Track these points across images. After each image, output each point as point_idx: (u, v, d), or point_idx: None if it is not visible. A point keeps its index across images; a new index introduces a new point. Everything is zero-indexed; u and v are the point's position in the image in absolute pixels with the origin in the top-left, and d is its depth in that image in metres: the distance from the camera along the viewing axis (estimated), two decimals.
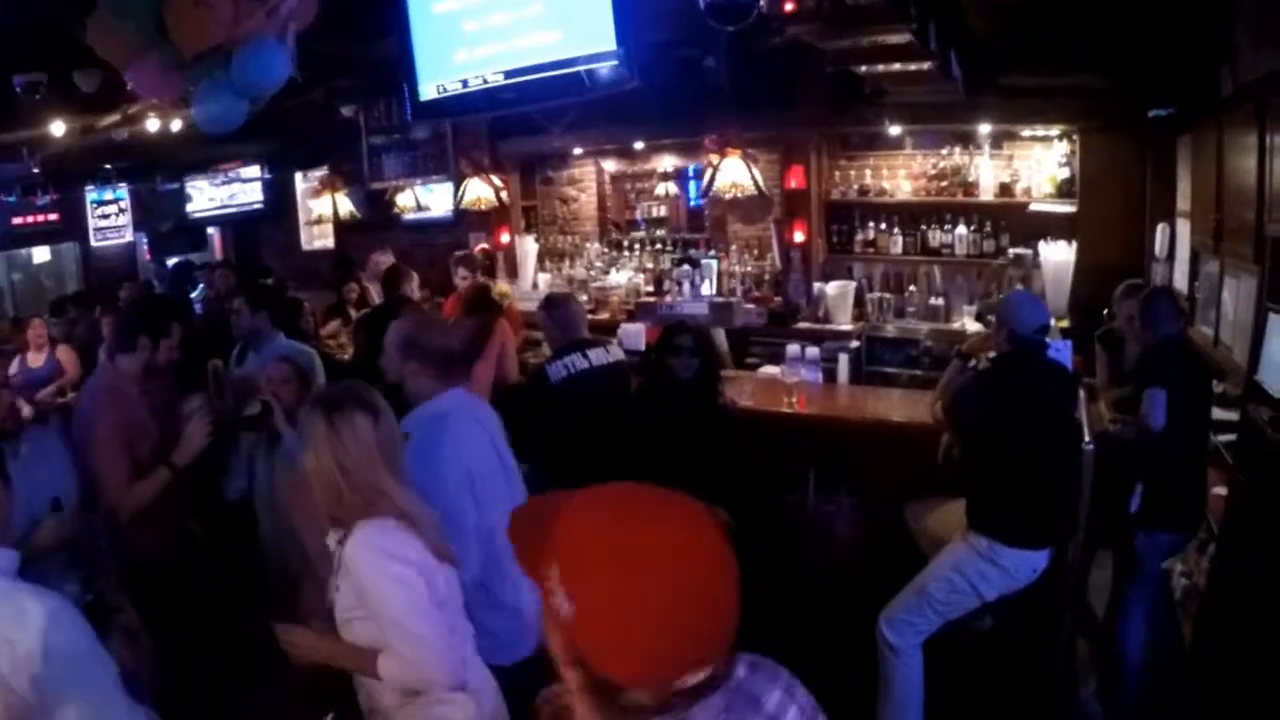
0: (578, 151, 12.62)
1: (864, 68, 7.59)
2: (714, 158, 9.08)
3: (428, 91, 6.36)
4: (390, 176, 11.65)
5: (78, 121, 9.05)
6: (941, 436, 5.89)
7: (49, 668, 2.41)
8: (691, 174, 12.29)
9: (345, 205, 11.89)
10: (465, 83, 6.17)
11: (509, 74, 5.96)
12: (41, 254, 16.02)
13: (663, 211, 12.56)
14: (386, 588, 3.12)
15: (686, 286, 10.11)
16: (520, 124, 11.25)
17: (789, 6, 5.59)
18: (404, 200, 12.73)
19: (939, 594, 5.23)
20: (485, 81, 6.08)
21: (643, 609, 1.47)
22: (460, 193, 10.77)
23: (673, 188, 12.50)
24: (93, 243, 15.78)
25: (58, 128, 8.90)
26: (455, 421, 4.13)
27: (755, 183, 9.05)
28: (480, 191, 10.75)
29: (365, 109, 11.34)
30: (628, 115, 10.48)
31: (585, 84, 5.75)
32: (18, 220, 14.44)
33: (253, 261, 15.48)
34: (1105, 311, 7.77)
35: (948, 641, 5.34)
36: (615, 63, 5.55)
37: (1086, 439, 5.57)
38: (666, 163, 12.34)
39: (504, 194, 10.90)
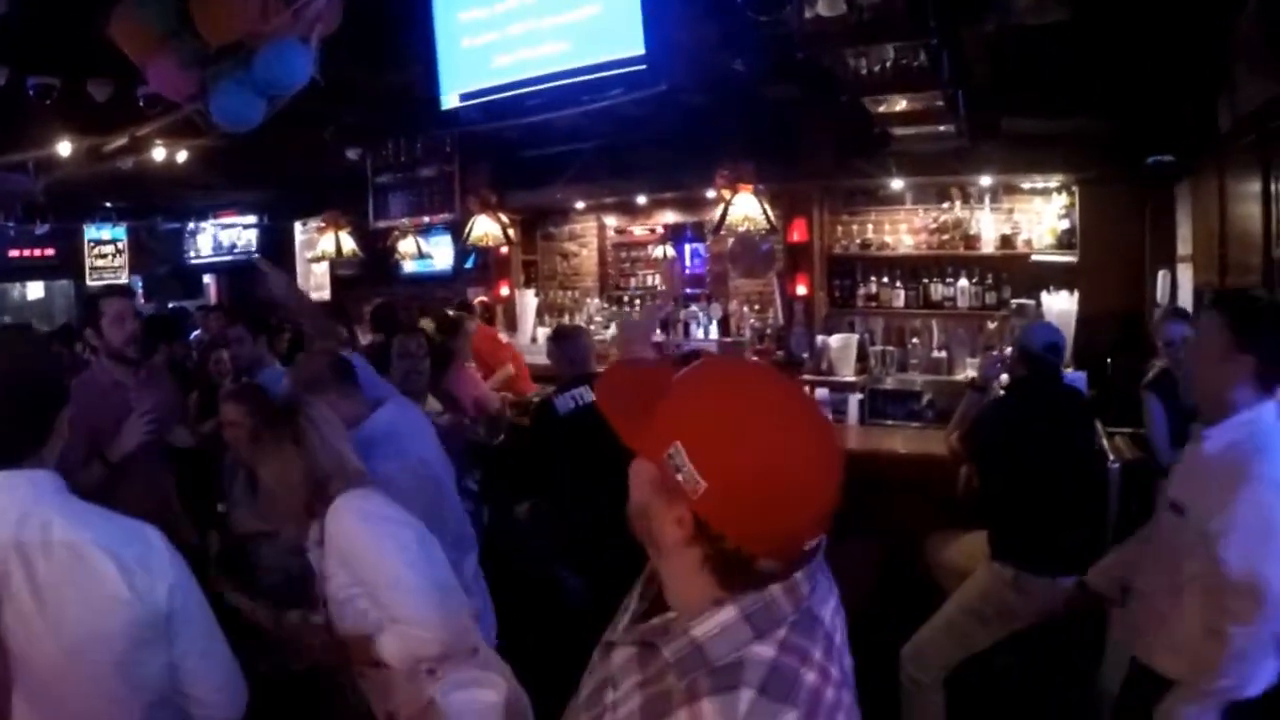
0: (579, 206, 12.66)
1: (875, 101, 7.52)
2: (726, 193, 9.04)
3: (450, 100, 6.35)
4: (395, 215, 11.63)
5: (85, 140, 8.99)
6: (960, 468, 5.81)
7: (178, 580, 2.42)
8: (689, 235, 12.33)
9: (348, 243, 11.84)
10: (489, 90, 6.16)
11: (533, 80, 5.95)
12: (35, 290, 15.91)
13: (658, 282, 12.56)
14: (372, 546, 3.09)
15: (695, 328, 10.11)
16: (523, 176, 11.27)
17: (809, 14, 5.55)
18: (406, 247, 12.67)
19: (964, 626, 5.15)
20: (509, 89, 6.06)
21: (778, 479, 1.53)
22: (468, 229, 10.73)
23: (670, 250, 12.51)
24: (88, 282, 15.47)
25: (65, 147, 8.86)
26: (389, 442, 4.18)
27: (766, 216, 9.02)
28: (488, 228, 10.71)
29: (371, 148, 11.31)
30: (631, 168, 10.56)
31: (610, 88, 5.71)
32: (14, 253, 14.39)
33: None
34: (1109, 360, 7.73)
35: (969, 677, 5.23)
36: (642, 67, 5.49)
37: (1111, 459, 5.51)
38: (668, 217, 12.36)
39: (511, 231, 10.82)
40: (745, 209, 8.96)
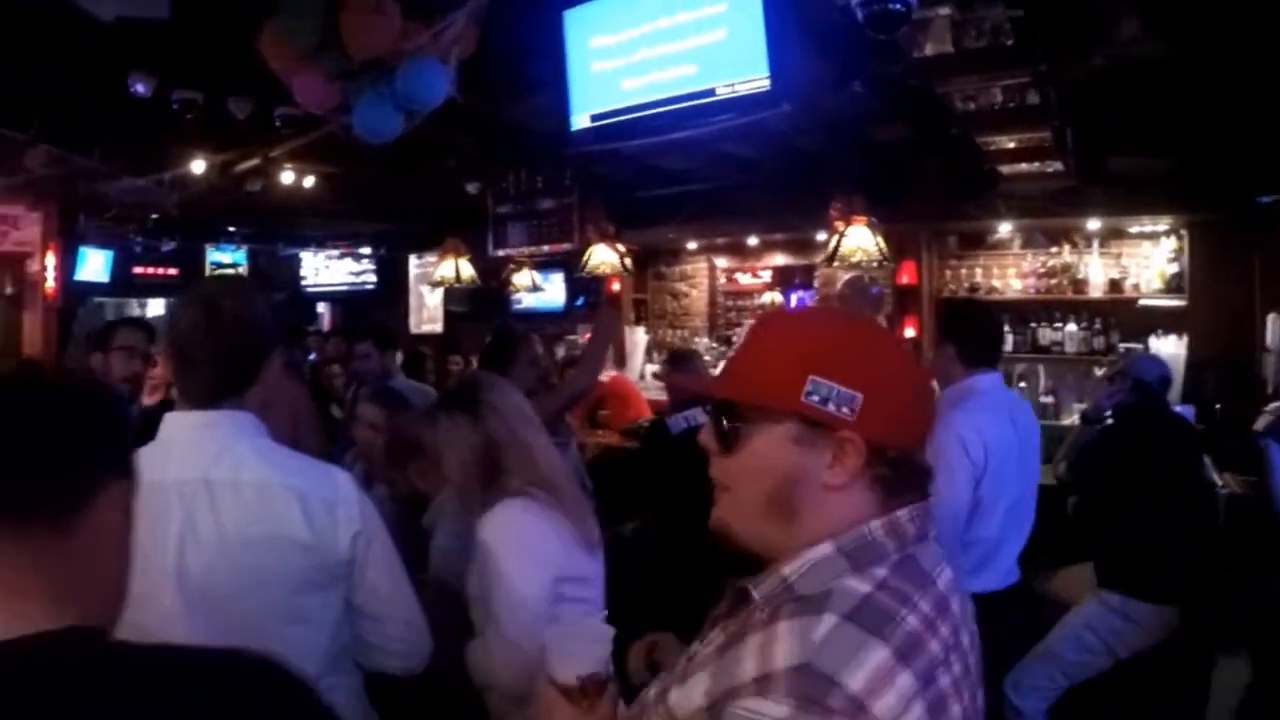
0: (691, 247, 12.81)
1: (984, 137, 7.54)
2: (839, 224, 9.08)
3: (580, 121, 6.50)
4: (514, 244, 11.78)
5: (219, 158, 9.26)
6: (1069, 498, 5.81)
7: (365, 528, 2.54)
8: (797, 284, 12.38)
9: (467, 270, 12.03)
10: (617, 112, 6.30)
11: (661, 102, 6.09)
12: (155, 308, 16.23)
13: None
14: (501, 573, 3.04)
15: None
16: (637, 215, 11.37)
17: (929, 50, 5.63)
18: (521, 279, 12.82)
19: (1070, 655, 5.14)
20: (637, 110, 6.20)
21: (905, 371, 1.63)
22: (585, 258, 10.87)
23: (778, 297, 12.56)
24: None
25: (199, 165, 9.12)
26: None
27: (880, 249, 9.04)
28: (606, 256, 10.79)
29: (491, 180, 11.49)
30: (741, 210, 10.69)
31: (734, 110, 5.83)
32: (138, 270, 14.63)
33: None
34: (1217, 405, 7.65)
35: (1073, 709, 5.21)
36: (766, 87, 5.60)
37: (1220, 484, 5.48)
38: (778, 259, 12.44)
39: (628, 261, 10.92)
40: (858, 241, 8.99)
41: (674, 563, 5.88)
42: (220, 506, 2.36)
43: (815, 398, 1.53)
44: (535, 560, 3.09)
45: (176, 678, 1.25)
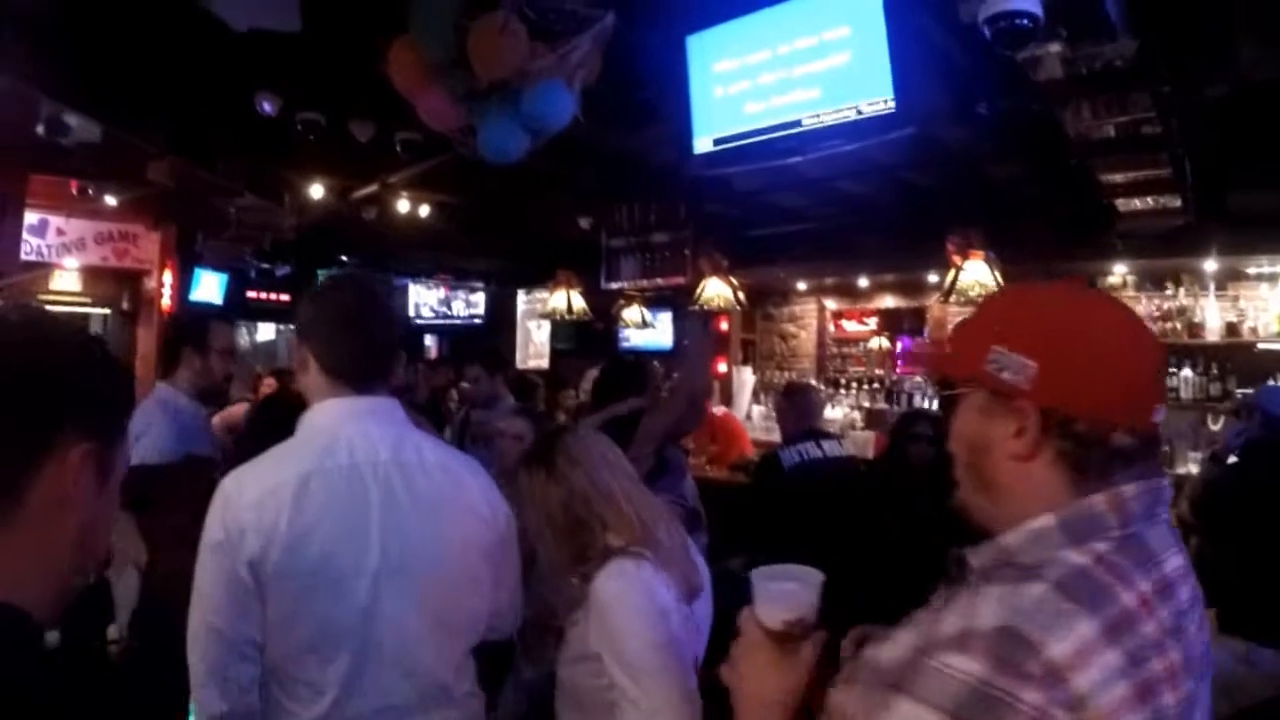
0: (800, 287, 12.73)
1: (1102, 169, 7.37)
2: (957, 259, 8.95)
3: (703, 145, 6.51)
4: (626, 277, 11.77)
5: (338, 183, 9.38)
6: (1189, 540, 5.62)
7: (509, 510, 2.79)
8: (906, 328, 12.25)
9: (578, 302, 12.04)
10: (740, 135, 6.31)
11: (783, 126, 6.08)
12: (266, 333, 16.44)
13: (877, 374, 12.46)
14: (639, 633, 2.86)
15: (919, 399, 10.05)
16: (747, 254, 11.33)
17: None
18: (630, 315, 12.80)
19: None
20: (760, 134, 6.20)
21: (1104, 331, 1.58)
22: (699, 291, 10.82)
23: (884, 343, 12.45)
24: None
25: (317, 189, 9.24)
26: None
27: (999, 284, 8.88)
28: (719, 290, 10.74)
29: (604, 212, 11.51)
30: (852, 250, 10.64)
31: (859, 133, 5.80)
32: (252, 294, 14.85)
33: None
34: None
35: None
36: (892, 109, 5.56)
37: None
38: (888, 302, 12.33)
39: (741, 295, 10.85)
40: (976, 276, 8.85)
41: None
42: (415, 485, 2.52)
43: (994, 366, 1.55)
44: (665, 619, 2.91)
45: None
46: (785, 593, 1.81)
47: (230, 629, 2.35)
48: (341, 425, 2.52)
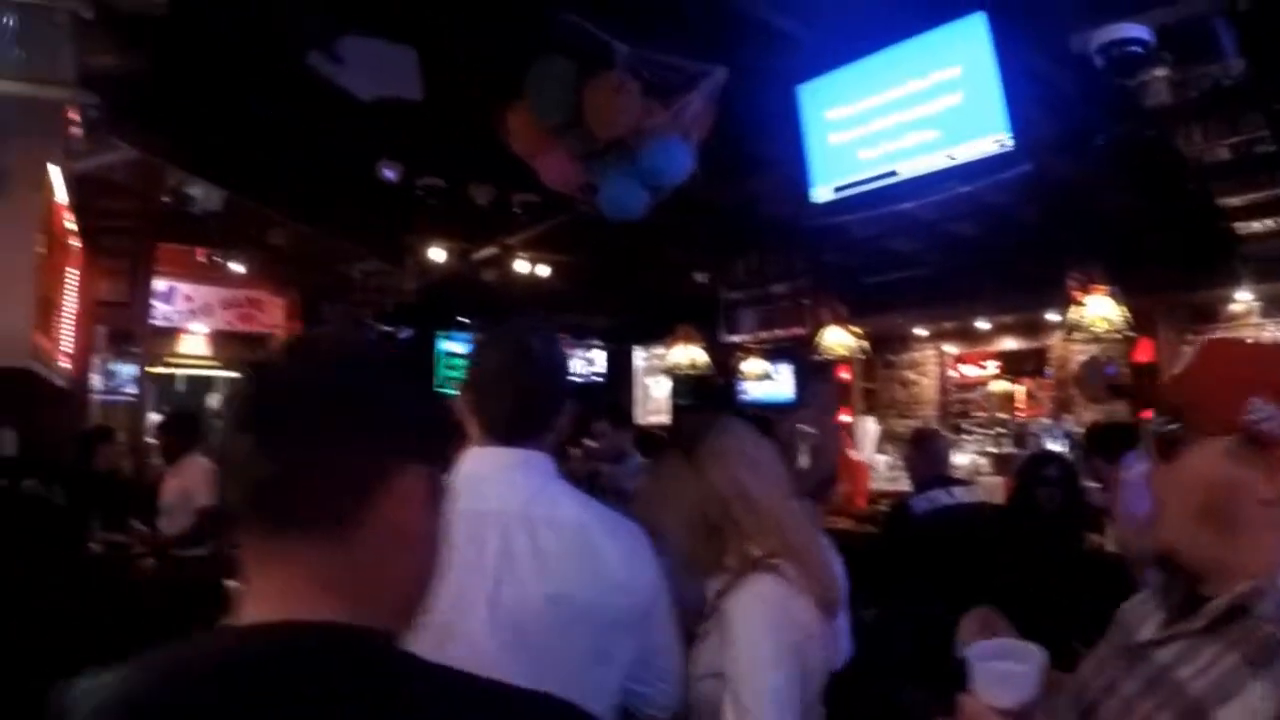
0: (919, 333, 12.60)
1: (1221, 192, 7.21)
2: (1078, 295, 8.80)
3: (821, 194, 6.51)
4: (746, 330, 11.75)
5: (458, 246, 9.53)
6: None
7: (659, 578, 2.55)
8: (1029, 369, 12.07)
9: (700, 357, 12.05)
10: (857, 183, 6.30)
11: (900, 169, 6.07)
12: None
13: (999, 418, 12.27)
14: (760, 660, 2.77)
15: (1047, 440, 9.88)
16: (864, 303, 11.26)
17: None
18: (750, 367, 12.75)
19: None
20: (876, 180, 6.19)
21: None
22: (818, 340, 10.77)
23: (1006, 385, 12.27)
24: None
25: (438, 252, 9.40)
26: None
27: (1125, 319, 8.70)
28: (840, 338, 10.68)
29: (720, 265, 11.53)
30: (970, 293, 10.51)
31: (975, 173, 5.77)
32: None
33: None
34: None
35: None
36: (1009, 146, 5.53)
37: None
38: (1008, 344, 12.15)
39: (865, 345, 10.79)
40: (1100, 311, 8.68)
41: (918, 648, 5.70)
42: (540, 540, 2.40)
43: (1254, 417, 1.61)
44: (791, 651, 2.85)
45: (468, 706, 1.21)
46: (1012, 675, 1.79)
47: None
48: (483, 474, 2.46)
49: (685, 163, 5.14)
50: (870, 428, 12.60)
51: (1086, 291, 8.76)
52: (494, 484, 2.45)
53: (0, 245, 6.37)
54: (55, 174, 7.05)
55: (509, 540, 2.39)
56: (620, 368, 16.18)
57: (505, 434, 2.50)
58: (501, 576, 2.37)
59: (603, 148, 5.09)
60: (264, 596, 1.20)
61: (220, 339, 12.62)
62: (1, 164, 6.27)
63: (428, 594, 1.35)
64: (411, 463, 1.26)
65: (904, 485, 7.38)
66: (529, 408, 2.50)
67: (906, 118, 6.11)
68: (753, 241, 10.84)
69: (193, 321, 12.19)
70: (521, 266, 10.47)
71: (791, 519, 2.96)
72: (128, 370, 11.12)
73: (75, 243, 8.70)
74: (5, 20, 5.01)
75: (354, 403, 1.23)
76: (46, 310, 7.56)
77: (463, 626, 2.27)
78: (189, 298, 11.96)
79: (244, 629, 1.18)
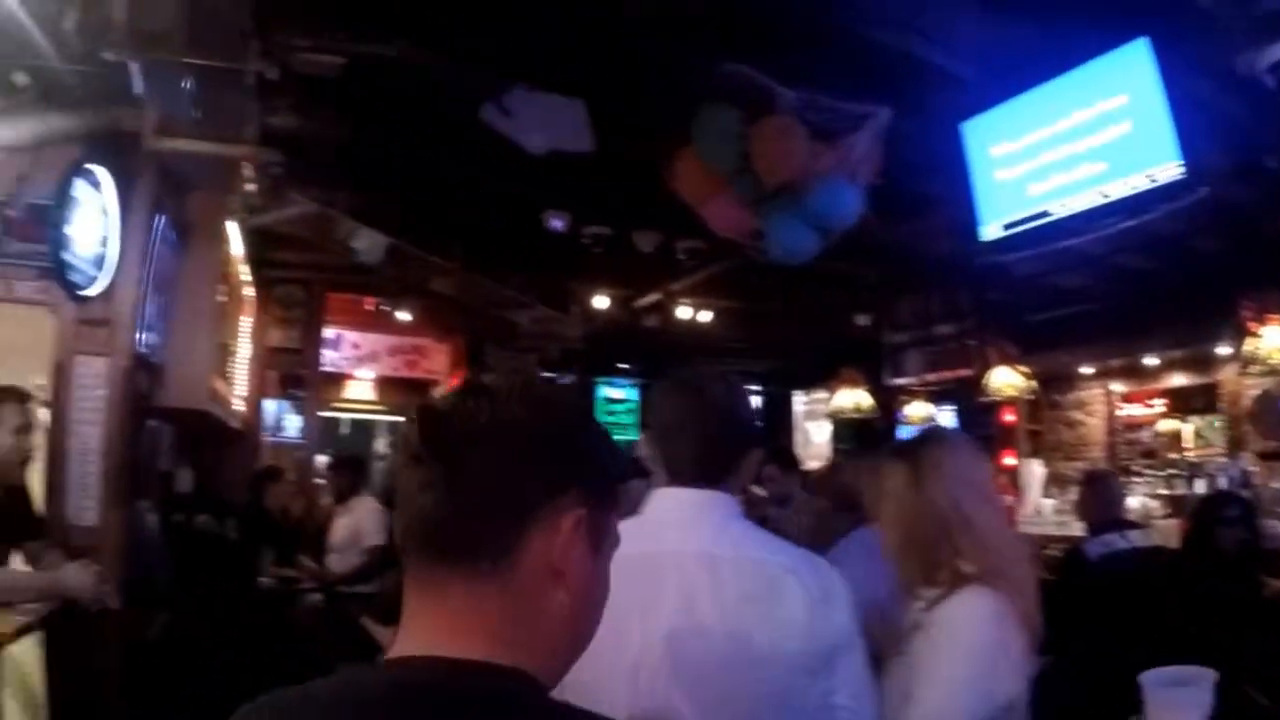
0: (1085, 372, 12.33)
1: None
2: (1253, 325, 8.54)
3: (991, 231, 6.43)
4: (910, 373, 11.65)
5: (623, 292, 9.63)
6: None
7: (850, 616, 2.47)
8: (1196, 406, 11.73)
9: (866, 400, 11.97)
10: (1030, 217, 6.22)
11: (1070, 203, 5.99)
12: None
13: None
14: (961, 666, 2.75)
15: (1224, 481, 9.59)
16: (1029, 342, 11.08)
17: None
18: (914, 410, 12.61)
19: None
20: (1046, 215, 6.10)
21: None
22: (985, 380, 10.63)
23: (1174, 424, 11.94)
24: None
25: (602, 300, 9.51)
26: None
27: None
28: (1008, 379, 10.53)
29: (882, 308, 11.46)
30: (1138, 328, 10.25)
31: (1152, 199, 5.65)
32: None
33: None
34: None
35: None
36: (1181, 174, 5.41)
37: None
38: (1176, 380, 11.83)
39: (1034, 385, 10.60)
40: (1276, 342, 8.41)
41: (1095, 698, 5.56)
42: (722, 580, 2.37)
43: None
44: (992, 677, 2.83)
45: None
46: (1186, 698, 1.77)
47: None
48: (666, 516, 2.50)
49: (854, 204, 5.14)
50: (1036, 470, 12.35)
51: (1262, 322, 8.49)
52: (676, 525, 2.46)
53: (183, 295, 6.62)
54: (232, 227, 7.36)
55: (689, 580, 2.38)
56: (780, 413, 16.13)
57: (689, 477, 2.50)
58: (681, 617, 2.35)
59: (771, 192, 5.11)
60: (417, 630, 1.24)
61: (385, 384, 12.95)
62: (185, 219, 6.53)
63: (584, 637, 1.36)
64: (572, 503, 1.27)
65: (1073, 530, 7.21)
66: (711, 452, 2.51)
67: (1075, 150, 6.02)
68: (916, 282, 10.74)
69: (359, 368, 12.53)
70: (683, 312, 10.52)
71: (1004, 540, 2.93)
72: (296, 414, 11.46)
73: (249, 291, 9.05)
74: (190, 81, 5.21)
75: (524, 440, 1.25)
76: (223, 356, 7.86)
77: (643, 666, 2.29)
78: (356, 345, 12.31)
79: (388, 661, 1.22)
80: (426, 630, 1.23)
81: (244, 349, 9.18)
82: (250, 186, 6.85)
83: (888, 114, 5.45)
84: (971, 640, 2.76)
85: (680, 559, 2.40)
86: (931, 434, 3.24)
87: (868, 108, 5.44)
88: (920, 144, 6.44)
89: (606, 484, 1.37)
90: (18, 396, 4.69)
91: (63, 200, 4.88)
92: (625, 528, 2.54)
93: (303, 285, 10.79)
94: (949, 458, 2.95)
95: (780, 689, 2.39)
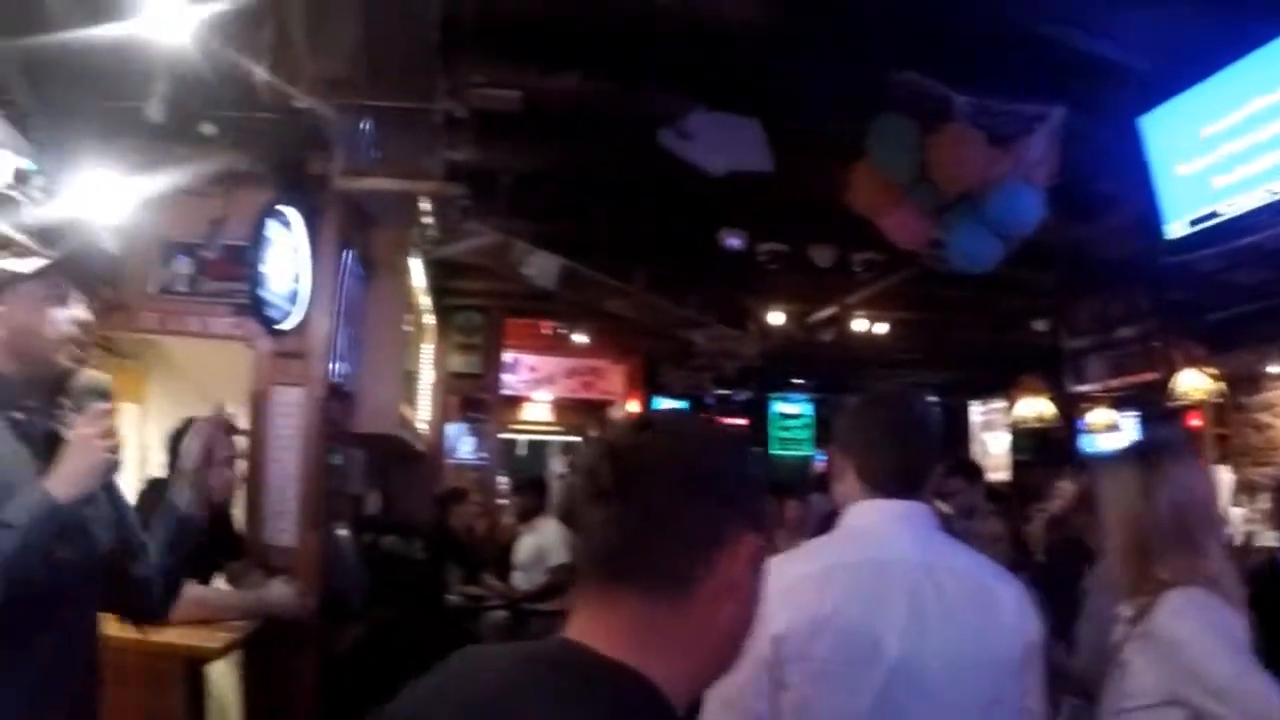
0: (1273, 371, 11.86)
1: None
2: None
3: (1176, 229, 6.24)
4: (1092, 379, 11.37)
5: (799, 307, 9.63)
6: None
7: (1039, 624, 2.56)
8: None
9: (1049, 409, 11.72)
10: (1215, 214, 6.01)
11: (1260, 193, 5.75)
12: None
13: None
14: (1227, 657, 2.66)
15: None
16: (1214, 339, 10.72)
17: None
18: (1096, 418, 12.30)
19: None
20: (1233, 208, 5.90)
21: None
22: (1171, 384, 10.35)
23: None
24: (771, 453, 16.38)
25: (777, 316, 9.52)
26: None
27: None
28: (1195, 382, 10.22)
29: (1061, 315, 11.21)
30: None
31: None
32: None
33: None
34: None
35: None
36: None
37: None
38: None
39: (1223, 387, 10.29)
40: None
41: None
42: (943, 587, 2.44)
43: None
44: (1246, 656, 2.77)
45: None
46: None
47: (740, 699, 2.38)
48: (874, 525, 2.56)
49: (1035, 209, 5.07)
50: (1224, 477, 11.94)
51: None
52: (887, 535, 2.53)
53: (372, 326, 6.83)
54: (415, 259, 7.60)
55: (916, 588, 2.43)
56: (957, 424, 15.89)
57: (892, 489, 2.56)
58: (908, 623, 2.40)
59: (951, 200, 5.07)
60: (572, 629, 1.31)
61: (561, 406, 13.17)
62: (370, 253, 6.74)
63: (741, 650, 1.41)
64: (746, 530, 1.33)
65: (1262, 541, 6.96)
66: (914, 464, 2.59)
67: (1260, 137, 5.79)
68: (1094, 285, 10.47)
69: (536, 390, 12.76)
70: (859, 325, 10.45)
71: (1218, 550, 2.92)
72: (476, 436, 11.71)
73: (429, 319, 9.29)
74: (373, 123, 5.40)
75: (699, 474, 1.32)
76: (408, 383, 8.08)
77: (866, 673, 2.34)
78: (533, 368, 12.57)
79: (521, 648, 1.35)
80: (580, 627, 1.30)
81: (426, 375, 9.43)
82: (428, 220, 7.06)
83: (1062, 113, 5.37)
84: (1214, 631, 2.70)
85: (905, 566, 2.46)
86: (1164, 441, 3.24)
87: (1041, 108, 5.36)
88: (1095, 142, 6.30)
89: (766, 514, 1.49)
90: (224, 427, 4.89)
91: (257, 241, 5.10)
92: (836, 537, 2.63)
93: (482, 311, 11.05)
94: (1182, 471, 2.95)
95: (994, 690, 2.46)
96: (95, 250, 3.03)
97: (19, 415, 2.52)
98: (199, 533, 2.96)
